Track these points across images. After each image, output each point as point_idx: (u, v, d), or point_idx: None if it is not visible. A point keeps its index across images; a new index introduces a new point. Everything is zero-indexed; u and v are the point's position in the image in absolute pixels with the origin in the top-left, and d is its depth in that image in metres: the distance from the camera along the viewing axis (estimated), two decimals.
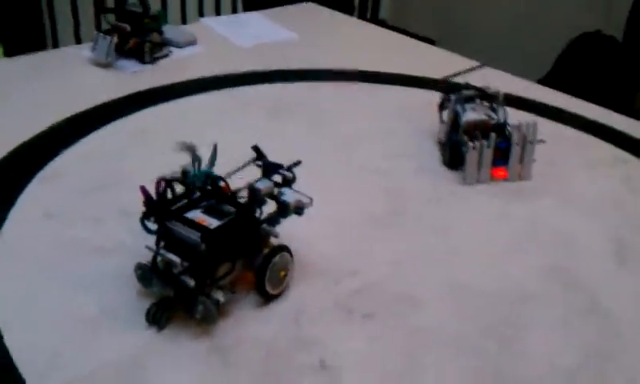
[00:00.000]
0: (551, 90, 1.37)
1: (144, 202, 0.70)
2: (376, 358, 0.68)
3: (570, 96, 1.33)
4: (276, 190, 0.75)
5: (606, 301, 0.77)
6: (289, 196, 0.74)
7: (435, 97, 1.18)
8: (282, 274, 0.74)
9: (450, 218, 0.92)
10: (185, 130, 1.08)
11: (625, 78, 3.12)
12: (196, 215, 0.70)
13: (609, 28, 3.03)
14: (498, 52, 1.93)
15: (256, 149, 0.78)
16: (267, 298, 0.74)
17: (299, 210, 0.75)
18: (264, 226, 0.74)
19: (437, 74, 1.40)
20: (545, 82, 3.06)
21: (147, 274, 0.71)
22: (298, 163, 0.77)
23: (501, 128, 0.97)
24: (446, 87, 1.05)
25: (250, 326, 0.71)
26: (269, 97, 1.27)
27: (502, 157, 0.96)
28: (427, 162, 1.05)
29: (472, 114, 0.98)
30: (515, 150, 0.96)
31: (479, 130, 0.97)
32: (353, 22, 1.83)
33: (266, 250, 0.73)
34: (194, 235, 0.67)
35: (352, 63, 1.43)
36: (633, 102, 3.17)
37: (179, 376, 0.65)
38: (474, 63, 1.49)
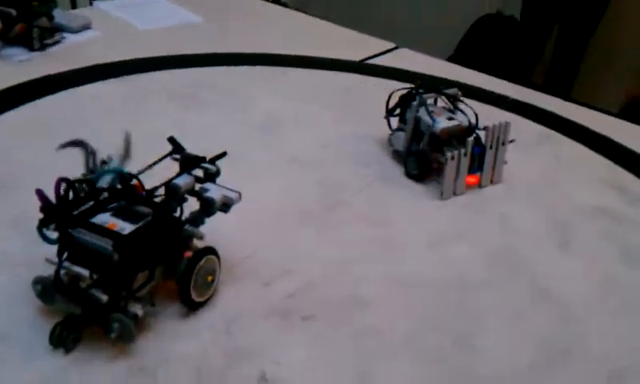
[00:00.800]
0: (468, 70, 1.35)
1: (41, 208, 0.60)
2: (322, 365, 0.61)
3: (490, 76, 1.31)
4: (198, 186, 0.66)
5: (553, 286, 0.74)
6: (213, 192, 0.66)
7: (352, 80, 1.12)
8: (209, 278, 0.65)
9: (387, 208, 0.86)
10: (83, 123, 0.97)
11: (523, 53, 3.21)
12: (105, 219, 0.61)
13: (507, 9, 3.11)
14: (404, 33, 1.89)
15: (172, 140, 0.69)
16: (193, 307, 0.65)
17: (226, 206, 0.66)
18: (186, 227, 0.65)
19: (352, 56, 1.35)
20: (451, 61, 3.08)
21: (49, 289, 0.61)
22: (222, 155, 0.69)
23: (470, 132, 0.89)
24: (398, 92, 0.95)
25: (176, 341, 0.62)
26: (176, 83, 1.16)
27: (475, 163, 0.89)
28: (351, 147, 0.99)
29: (445, 122, 0.88)
30: (489, 155, 0.90)
31: (455, 138, 0.89)
32: (259, 3, 1.74)
33: (190, 254, 0.64)
34: (105, 243, 0.58)
35: (262, 46, 1.35)
36: (530, 76, 3.26)
37: None
38: (389, 44, 1.44)
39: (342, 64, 1.30)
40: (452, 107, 0.92)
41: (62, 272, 0.59)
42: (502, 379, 0.62)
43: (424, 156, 0.89)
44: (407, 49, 1.43)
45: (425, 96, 0.91)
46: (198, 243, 0.66)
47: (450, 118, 0.89)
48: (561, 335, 0.67)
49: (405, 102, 0.93)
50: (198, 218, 0.66)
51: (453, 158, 0.85)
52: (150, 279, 0.62)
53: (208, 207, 0.66)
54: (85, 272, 0.58)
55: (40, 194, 0.60)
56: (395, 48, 1.43)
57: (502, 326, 0.68)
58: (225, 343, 0.62)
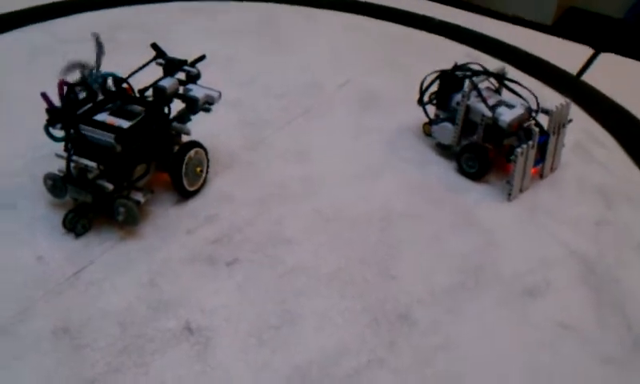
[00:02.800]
0: None
1: (47, 109, 0.67)
2: (247, 310, 0.63)
3: None
4: (181, 88, 0.74)
5: (475, 211, 0.77)
6: (196, 91, 0.74)
7: (275, 9, 1.15)
8: (198, 169, 0.74)
9: (308, 142, 0.86)
10: None
11: None
12: (104, 118, 0.68)
13: None
14: None
15: (155, 46, 0.76)
16: (186, 195, 0.74)
17: (208, 104, 0.74)
18: (174, 123, 0.73)
19: None
20: None
21: (59, 183, 0.68)
22: (202, 58, 0.76)
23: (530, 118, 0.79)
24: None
25: (98, 301, 0.63)
26: (93, 26, 1.06)
27: (539, 153, 0.78)
28: (273, 82, 0.99)
29: (507, 111, 0.76)
30: (551, 142, 0.78)
31: (521, 129, 0.78)
32: None
33: (178, 148, 0.73)
34: (108, 137, 0.66)
35: None
36: None
37: (20, 370, 0.56)
38: None
39: None
40: (497, 88, 0.82)
41: (72, 166, 0.67)
42: (421, 303, 0.64)
43: (484, 152, 0.78)
44: None
45: (475, 80, 0.79)
46: (185, 139, 0.74)
47: (506, 104, 0.78)
48: (481, 257, 0.70)
49: (447, 86, 0.82)
50: (184, 116, 0.74)
51: (522, 153, 0.74)
52: (147, 170, 0.70)
53: (192, 105, 0.74)
54: (93, 164, 0.66)
55: (45, 97, 0.67)
56: None
57: (422, 254, 0.70)
58: (149, 296, 0.64)
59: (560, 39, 1.21)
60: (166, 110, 0.72)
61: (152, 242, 0.69)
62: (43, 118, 0.68)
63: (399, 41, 1.14)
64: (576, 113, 0.94)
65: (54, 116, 0.67)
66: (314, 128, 0.90)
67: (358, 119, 0.92)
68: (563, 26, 3.21)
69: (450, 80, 0.80)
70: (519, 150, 0.73)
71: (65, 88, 0.67)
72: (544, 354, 0.60)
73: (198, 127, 0.76)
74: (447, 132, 0.79)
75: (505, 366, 0.59)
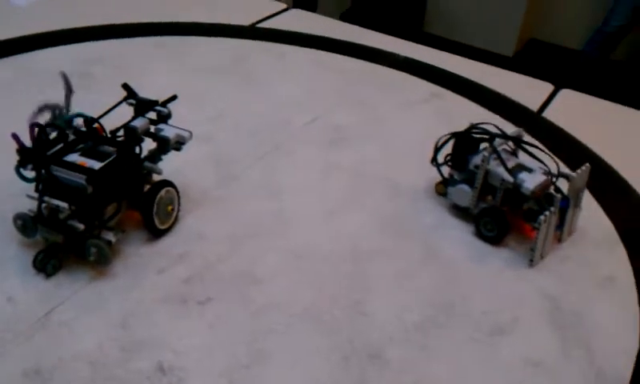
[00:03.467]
0: (360, 28, 1.38)
1: (18, 150, 0.68)
2: (220, 348, 0.63)
3: (382, 34, 1.36)
4: (153, 128, 0.75)
5: (440, 246, 0.78)
6: (167, 131, 0.75)
7: (246, 46, 1.16)
8: (169, 208, 0.75)
9: (278, 178, 0.88)
10: None
11: (411, 3, 3.34)
12: (75, 159, 0.69)
13: None
14: None
15: (126, 87, 0.77)
16: (157, 234, 0.74)
17: (179, 144, 0.75)
18: (145, 163, 0.73)
19: (244, 20, 1.37)
20: (346, 16, 3.20)
21: (29, 223, 0.69)
22: (173, 98, 0.77)
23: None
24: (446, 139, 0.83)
25: (70, 342, 0.62)
26: (66, 61, 1.11)
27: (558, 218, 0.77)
28: (244, 119, 1.01)
29: (530, 177, 0.76)
30: (571, 206, 0.78)
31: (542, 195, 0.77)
32: None
33: (149, 187, 0.74)
34: (79, 178, 0.66)
35: (156, 15, 1.34)
36: (421, 26, 3.41)
37: None
38: (281, 5, 1.47)
39: (232, 29, 1.32)
40: (514, 149, 0.81)
41: (43, 206, 0.67)
42: (391, 340, 0.65)
43: (502, 216, 0.77)
44: (299, 9, 1.47)
45: (495, 143, 0.78)
46: (156, 178, 0.75)
47: (525, 168, 0.78)
48: (448, 293, 0.72)
49: (462, 147, 0.81)
50: (155, 156, 0.75)
51: (546, 221, 0.74)
52: (119, 210, 0.71)
53: (164, 145, 0.75)
54: (64, 204, 0.66)
55: (15, 137, 0.67)
56: (286, 9, 1.45)
57: (392, 291, 0.71)
58: (121, 337, 0.63)
59: (521, 75, 1.24)
60: (137, 150, 0.73)
61: (124, 281, 0.69)
62: (12, 157, 0.68)
63: (365, 77, 1.17)
64: (537, 150, 0.98)
65: (25, 157, 0.67)
66: (284, 165, 0.91)
67: (327, 156, 0.93)
68: (524, 59, 3.30)
69: (466, 141, 0.80)
70: (542, 217, 0.73)
71: (36, 130, 0.68)
72: None
73: (169, 164, 0.76)
74: (465, 195, 0.79)
75: None
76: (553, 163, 0.80)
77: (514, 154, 0.81)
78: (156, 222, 0.73)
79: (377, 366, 0.62)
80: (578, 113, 1.12)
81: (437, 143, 0.83)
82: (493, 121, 1.04)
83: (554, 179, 0.77)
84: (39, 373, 0.59)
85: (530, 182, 0.75)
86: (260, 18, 1.40)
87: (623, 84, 2.77)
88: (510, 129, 0.83)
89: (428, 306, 0.70)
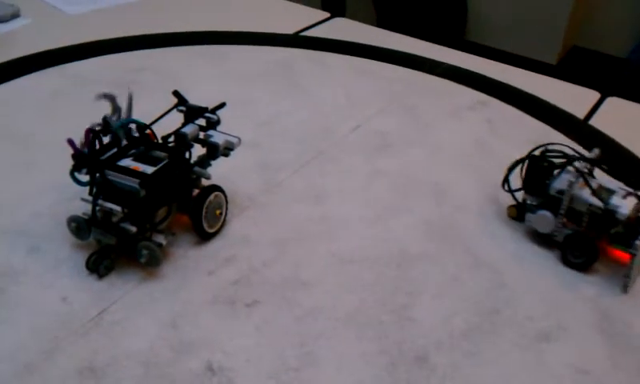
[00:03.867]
0: (402, 36, 1.39)
1: (73, 155, 0.70)
2: (268, 350, 0.64)
3: (423, 41, 1.37)
4: (202, 134, 0.77)
5: (488, 253, 0.78)
6: (217, 137, 0.76)
7: (290, 54, 1.17)
8: (218, 212, 0.76)
9: (323, 184, 0.89)
10: (19, 119, 0.99)
11: (452, 11, 3.34)
12: (129, 163, 0.71)
13: None
14: None
15: (177, 94, 0.78)
16: (206, 237, 0.76)
17: (228, 150, 0.77)
18: (196, 168, 0.75)
19: (287, 29, 1.39)
20: (383, 23, 3.21)
21: (83, 225, 0.71)
22: (222, 105, 0.79)
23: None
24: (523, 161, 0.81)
25: (122, 341, 0.64)
26: (114, 69, 1.16)
27: None
28: (290, 125, 1.04)
29: (622, 202, 0.74)
30: None
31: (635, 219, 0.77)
32: None
33: (198, 192, 0.75)
34: (133, 182, 0.68)
35: (201, 24, 1.38)
36: (462, 35, 3.40)
37: None
38: (324, 14, 1.49)
39: (277, 38, 1.34)
40: (590, 170, 0.80)
41: (97, 209, 0.69)
42: (439, 345, 0.66)
43: (591, 243, 0.75)
44: (342, 18, 1.48)
45: (578, 165, 0.77)
46: (205, 183, 0.77)
47: (607, 190, 0.76)
48: (496, 301, 0.72)
49: (536, 170, 0.79)
50: (204, 161, 0.77)
51: None
52: (169, 213, 0.72)
53: (213, 151, 0.76)
54: (117, 208, 0.68)
55: (71, 143, 0.69)
56: (330, 18, 1.47)
57: (440, 296, 0.72)
58: (171, 337, 0.65)
59: (566, 82, 1.23)
60: (188, 156, 0.74)
61: (173, 282, 0.71)
62: (65, 161, 0.70)
63: (408, 84, 1.17)
64: None
65: (80, 161, 0.70)
66: (329, 171, 0.92)
67: (371, 162, 0.94)
68: (567, 66, 3.26)
69: (542, 165, 0.78)
70: (638, 242, 0.72)
71: (90, 135, 0.70)
72: None
73: (218, 170, 0.78)
74: (547, 221, 0.77)
75: None
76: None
77: (590, 174, 0.79)
78: (205, 225, 0.75)
79: (424, 370, 0.63)
80: (626, 121, 1.10)
81: (509, 167, 0.81)
82: (538, 128, 1.05)
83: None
84: (93, 370, 0.61)
85: (624, 206, 0.74)
86: (304, 26, 1.41)
87: None
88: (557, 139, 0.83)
89: (474, 314, 0.70)
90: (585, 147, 0.98)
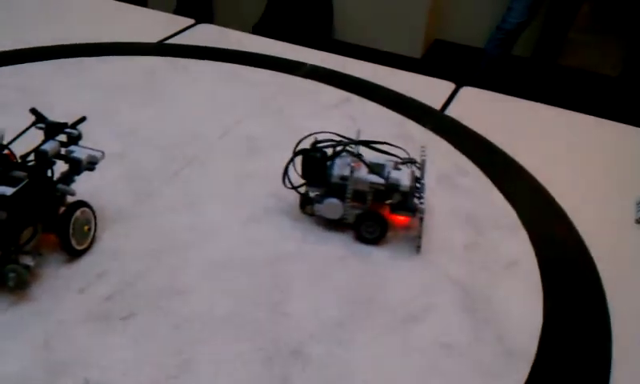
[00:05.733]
0: (269, 40, 1.41)
1: None
2: (146, 361, 0.64)
3: (287, 43, 1.39)
4: (64, 150, 0.75)
5: (361, 248, 0.81)
6: (79, 153, 0.75)
7: (154, 63, 1.17)
8: (86, 228, 0.75)
9: (193, 191, 0.89)
10: None
11: (318, 11, 3.41)
12: None
13: None
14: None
15: (34, 111, 0.77)
16: (75, 254, 0.75)
17: (92, 164, 0.76)
18: (59, 186, 0.74)
19: (151, 37, 1.38)
20: (257, 29, 3.23)
21: None
22: (82, 120, 0.78)
23: None
24: None
25: None
26: None
27: None
28: (155, 133, 1.02)
29: (401, 175, 0.81)
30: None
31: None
32: None
33: (64, 209, 0.74)
34: None
35: (58, 38, 1.32)
36: (329, 34, 3.48)
37: None
38: (188, 21, 1.49)
39: (140, 47, 1.32)
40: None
41: None
42: (313, 337, 0.68)
43: (382, 217, 0.81)
44: (207, 24, 1.48)
45: (352, 149, 0.83)
46: (70, 199, 0.76)
47: (380, 166, 0.82)
48: (367, 290, 0.75)
49: (314, 162, 0.83)
50: (68, 177, 0.75)
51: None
52: (34, 234, 0.71)
53: (76, 167, 0.75)
54: None
55: None
56: (194, 24, 1.47)
57: (310, 289, 0.74)
58: (45, 359, 0.63)
59: (424, 76, 1.30)
60: (50, 173, 0.73)
61: (44, 303, 0.69)
62: None
63: (275, 87, 1.19)
64: (441, 145, 1.03)
65: None
66: (199, 177, 0.92)
67: (241, 166, 0.95)
68: (432, 59, 3.41)
69: (314, 156, 0.82)
70: (424, 206, 0.79)
71: None
72: (431, 375, 0.66)
73: (84, 185, 0.77)
74: (336, 208, 0.81)
75: None
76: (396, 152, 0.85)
77: (356, 155, 0.83)
78: (73, 242, 0.74)
79: (299, 362, 0.65)
80: (478, 108, 1.18)
81: (286, 167, 0.83)
82: (396, 119, 1.10)
83: (412, 168, 0.83)
84: None
85: (404, 178, 0.80)
86: (168, 34, 1.40)
87: (525, 79, 2.90)
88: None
89: (346, 304, 0.73)
90: (441, 136, 1.04)
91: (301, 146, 0.84)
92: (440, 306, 0.74)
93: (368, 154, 0.83)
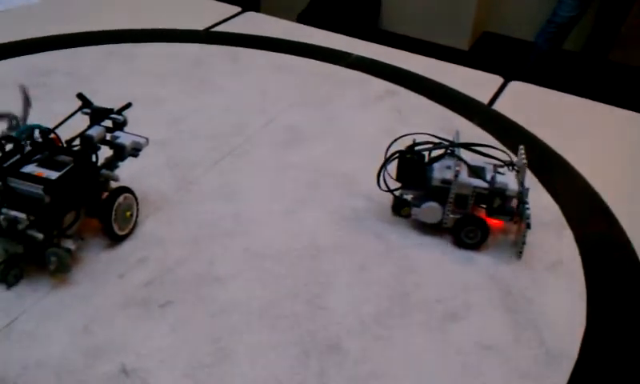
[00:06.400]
0: (316, 29, 1.41)
1: None
2: (182, 349, 0.64)
3: (334, 33, 1.39)
4: (109, 135, 0.76)
5: (397, 240, 0.81)
6: (123, 139, 0.76)
7: (201, 50, 1.17)
8: (128, 214, 0.76)
9: (235, 180, 0.89)
10: None
11: (366, 1, 3.38)
12: (32, 169, 0.69)
13: None
14: None
15: (81, 96, 0.77)
16: (117, 239, 0.75)
17: (136, 150, 0.77)
18: (102, 171, 0.74)
19: (198, 25, 1.39)
20: (303, 17, 3.22)
21: None
22: (128, 106, 0.78)
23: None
24: None
25: (33, 351, 0.63)
26: (20, 72, 1.12)
27: None
28: (201, 125, 1.03)
29: (507, 179, 0.79)
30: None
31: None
32: None
33: (107, 194, 0.75)
34: (37, 188, 0.67)
35: (108, 24, 1.35)
36: (377, 24, 3.45)
37: None
38: (235, 8, 1.49)
39: (188, 34, 1.33)
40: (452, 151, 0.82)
41: (1, 218, 0.68)
42: (350, 333, 0.68)
43: (483, 222, 0.79)
44: (254, 12, 1.49)
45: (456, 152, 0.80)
46: (114, 185, 0.76)
47: (481, 169, 0.80)
48: (405, 285, 0.74)
49: (407, 165, 0.81)
50: (112, 163, 0.76)
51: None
52: (77, 218, 0.71)
53: (120, 152, 0.76)
54: (22, 215, 0.67)
55: None
56: (241, 12, 1.47)
57: (349, 284, 0.73)
58: (83, 343, 0.64)
59: (472, 69, 1.28)
60: (94, 158, 0.74)
61: (85, 288, 0.70)
62: None
63: (320, 77, 1.18)
64: (487, 140, 1.01)
65: None
66: (241, 167, 0.92)
67: (283, 156, 0.95)
68: (480, 52, 3.36)
69: (413, 159, 0.80)
70: (529, 212, 0.76)
71: None
72: (468, 375, 0.64)
73: (128, 170, 0.78)
74: (435, 212, 0.79)
75: None
76: (497, 154, 0.83)
77: (459, 158, 0.81)
78: (115, 228, 0.74)
79: (336, 357, 0.65)
80: (526, 103, 1.15)
81: (380, 169, 0.81)
82: (442, 113, 1.08)
83: (514, 170, 0.80)
84: (4, 381, 0.60)
85: (511, 183, 0.78)
86: (215, 21, 1.41)
87: (575, 74, 2.84)
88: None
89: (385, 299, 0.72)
90: (488, 131, 1.02)
91: (394, 148, 0.81)
92: (481, 305, 0.72)
93: (469, 157, 0.81)
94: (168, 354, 0.64)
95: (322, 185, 0.89)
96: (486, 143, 0.83)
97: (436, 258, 0.78)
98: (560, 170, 0.97)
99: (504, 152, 0.84)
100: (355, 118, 1.06)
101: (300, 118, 1.05)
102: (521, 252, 0.78)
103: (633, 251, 0.82)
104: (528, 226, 0.76)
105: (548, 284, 0.76)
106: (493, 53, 3.36)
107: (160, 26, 1.36)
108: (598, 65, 2.98)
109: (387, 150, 0.82)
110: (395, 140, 0.84)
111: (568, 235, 0.84)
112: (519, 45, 3.24)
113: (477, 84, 1.20)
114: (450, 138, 0.82)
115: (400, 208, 0.83)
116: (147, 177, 0.86)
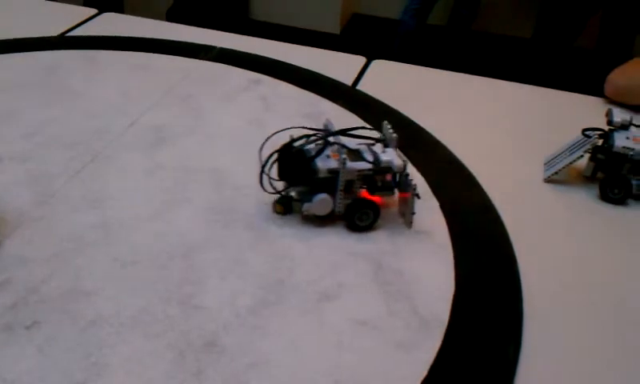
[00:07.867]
0: (179, 25, 1.39)
1: None
2: (52, 369, 0.62)
3: (198, 28, 1.37)
4: None
5: (268, 229, 0.81)
6: None
7: (57, 57, 1.13)
8: None
9: (99, 187, 0.87)
10: None
11: None
12: None
13: None
14: None
15: None
16: None
17: None
18: None
19: (52, 31, 1.33)
20: (171, 14, 3.16)
21: None
22: None
23: None
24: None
25: None
26: None
27: None
28: (60, 132, 1.01)
29: (389, 156, 0.81)
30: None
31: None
32: None
33: None
34: None
35: None
36: (247, 14, 3.44)
37: None
38: (91, 11, 1.44)
39: (41, 42, 1.27)
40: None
41: None
42: (226, 328, 0.67)
43: (373, 203, 0.81)
44: (111, 13, 1.44)
45: (335, 140, 0.81)
46: None
47: (358, 150, 0.81)
48: (279, 274, 0.74)
49: (287, 160, 0.80)
50: None
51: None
52: None
53: None
54: None
55: None
56: (97, 14, 1.43)
57: (223, 279, 0.73)
58: None
59: (337, 52, 1.30)
60: None
61: None
62: None
63: (183, 73, 1.16)
64: (353, 121, 1.02)
65: None
66: (105, 173, 0.89)
67: (149, 157, 0.93)
68: (350, 34, 3.42)
69: (296, 153, 0.79)
70: (414, 183, 0.79)
71: None
72: (345, 350, 0.66)
73: None
74: (327, 203, 0.79)
75: (314, 371, 0.63)
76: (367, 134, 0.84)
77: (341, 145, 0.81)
78: None
79: (213, 354, 0.64)
80: (388, 80, 1.18)
81: (262, 168, 0.80)
82: (307, 98, 1.09)
83: (388, 147, 0.82)
84: None
85: (394, 159, 0.80)
86: (70, 26, 1.36)
87: (442, 47, 2.94)
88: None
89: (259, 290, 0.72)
90: (353, 112, 1.04)
91: (267, 147, 0.81)
92: (354, 283, 0.73)
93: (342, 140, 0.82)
94: (37, 375, 0.61)
95: (191, 182, 0.88)
96: (356, 125, 0.85)
97: (308, 242, 0.79)
98: (422, 141, 1.00)
99: (374, 130, 0.86)
100: (221, 112, 1.05)
101: (164, 116, 1.03)
102: (411, 222, 0.81)
103: (497, 214, 0.86)
104: (417, 196, 0.79)
105: (417, 254, 0.78)
106: (363, 34, 3.42)
107: (11, 36, 1.29)
108: (463, 36, 3.10)
109: (261, 149, 0.82)
110: (268, 138, 0.83)
111: (434, 205, 0.86)
112: (388, 24, 3.31)
113: (341, 66, 1.22)
114: (321, 127, 0.83)
115: (289, 206, 0.82)
116: (4, 195, 0.82)
